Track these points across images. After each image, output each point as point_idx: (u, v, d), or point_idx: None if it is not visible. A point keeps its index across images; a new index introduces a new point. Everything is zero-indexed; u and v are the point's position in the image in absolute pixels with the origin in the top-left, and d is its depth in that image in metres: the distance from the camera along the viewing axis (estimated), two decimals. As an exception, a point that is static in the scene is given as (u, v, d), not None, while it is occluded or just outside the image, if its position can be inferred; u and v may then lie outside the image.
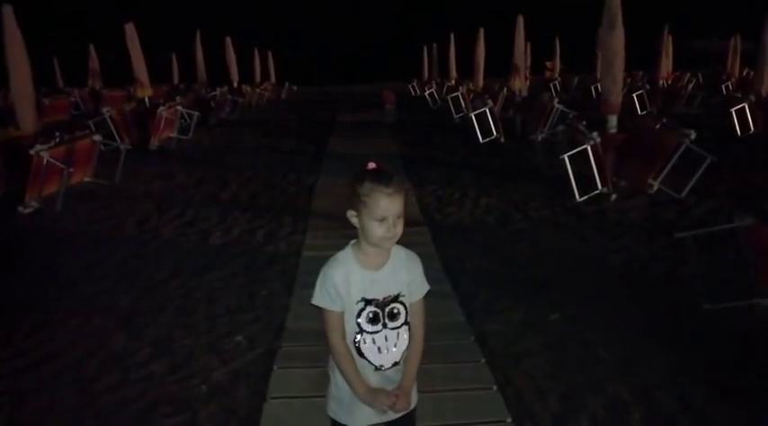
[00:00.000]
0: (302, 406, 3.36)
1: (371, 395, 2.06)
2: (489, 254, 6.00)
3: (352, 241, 2.11)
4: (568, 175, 7.81)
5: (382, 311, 2.05)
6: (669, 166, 7.76)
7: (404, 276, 2.09)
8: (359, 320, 2.04)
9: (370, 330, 2.05)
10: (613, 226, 6.78)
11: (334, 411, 2.18)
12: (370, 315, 2.04)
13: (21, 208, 7.58)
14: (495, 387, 3.51)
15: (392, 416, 2.13)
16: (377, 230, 1.96)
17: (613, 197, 7.69)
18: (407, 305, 2.10)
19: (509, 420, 3.21)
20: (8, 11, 8.73)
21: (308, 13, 49.77)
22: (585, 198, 7.66)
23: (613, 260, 5.77)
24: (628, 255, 5.86)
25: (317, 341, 3.91)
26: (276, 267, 5.71)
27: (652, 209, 7.31)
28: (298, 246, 6.22)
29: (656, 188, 7.78)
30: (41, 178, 7.78)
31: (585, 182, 7.83)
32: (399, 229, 1.99)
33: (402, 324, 2.09)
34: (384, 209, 1.93)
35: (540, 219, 7.17)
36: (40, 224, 7.33)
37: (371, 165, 2.02)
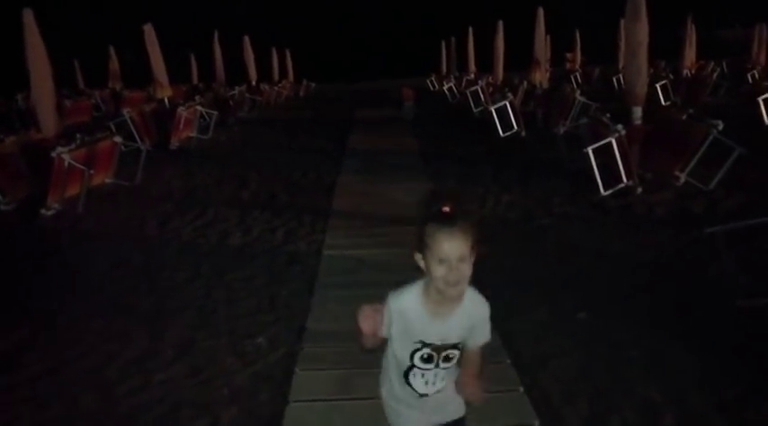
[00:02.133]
0: (324, 409, 3.31)
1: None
2: (513, 252, 5.89)
3: (423, 279, 1.98)
4: (592, 169, 7.66)
5: (438, 354, 2.00)
6: (696, 158, 7.57)
7: (468, 325, 2.02)
8: (413, 358, 2.00)
9: (422, 367, 2.02)
10: (640, 221, 6.63)
11: (388, 414, 2.19)
12: (425, 356, 2.00)
13: (43, 211, 7.64)
14: (521, 389, 3.42)
15: (433, 418, 2.13)
16: (438, 270, 1.86)
17: (639, 190, 7.52)
18: (462, 349, 2.05)
19: (536, 423, 3.12)
20: (28, 14, 8.80)
21: (325, 11, 49.76)
22: (610, 192, 7.51)
23: (641, 255, 5.62)
24: (656, 251, 5.70)
25: (339, 343, 3.88)
26: (296, 267, 5.66)
27: (680, 203, 7.13)
28: (318, 246, 6.14)
29: (683, 180, 7.60)
30: (63, 180, 7.83)
31: (610, 176, 7.68)
32: (465, 272, 1.88)
33: (453, 364, 2.07)
34: (444, 251, 1.83)
35: (565, 215, 7.03)
36: (62, 226, 7.37)
37: (445, 208, 1.88)
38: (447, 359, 2.02)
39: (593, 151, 7.74)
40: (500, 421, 3.15)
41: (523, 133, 12.72)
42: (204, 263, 5.86)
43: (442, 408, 2.15)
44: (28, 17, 8.81)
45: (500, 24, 18.10)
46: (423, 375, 2.03)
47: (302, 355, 3.91)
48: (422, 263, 1.92)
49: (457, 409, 2.19)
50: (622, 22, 16.43)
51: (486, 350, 3.87)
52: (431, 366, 2.01)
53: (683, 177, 7.61)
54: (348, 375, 3.57)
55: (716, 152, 7.61)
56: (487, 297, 4.63)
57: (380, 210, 7.09)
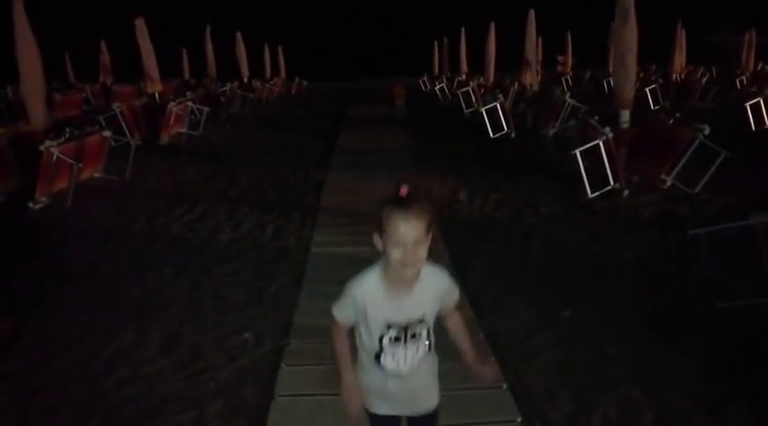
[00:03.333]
0: (310, 405, 3.34)
1: (348, 392, 2.13)
2: (499, 251, 5.94)
3: (381, 262, 2.06)
4: (580, 171, 7.73)
5: (405, 333, 2.07)
6: (682, 162, 7.66)
7: (430, 298, 2.09)
8: (382, 341, 2.07)
9: (390, 349, 2.08)
10: (626, 223, 6.71)
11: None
12: (392, 337, 2.06)
13: (31, 204, 7.60)
14: (504, 386, 3.46)
15: (406, 410, 2.21)
16: (394, 253, 1.94)
17: (626, 193, 7.60)
18: (429, 325, 2.12)
19: (519, 419, 3.17)
20: (19, 6, 8.74)
21: (319, 9, 49.71)
22: (597, 194, 7.58)
23: (625, 256, 5.69)
24: (640, 252, 5.78)
25: (325, 339, 3.86)
26: (284, 263, 5.68)
27: (665, 205, 7.22)
28: (306, 242, 6.18)
29: (669, 183, 7.69)
30: (51, 174, 7.79)
31: (597, 178, 7.75)
32: (421, 254, 1.95)
33: (422, 343, 2.12)
34: (400, 234, 1.91)
35: (551, 215, 7.09)
36: (50, 220, 7.35)
37: (403, 190, 1.98)
38: (414, 336, 2.07)
39: (581, 153, 7.81)
40: (483, 417, 3.20)
41: (513, 134, 12.79)
42: (192, 259, 5.87)
43: (416, 397, 2.21)
44: (18, 8, 8.75)
45: (492, 26, 18.18)
46: (393, 355, 2.08)
47: (288, 350, 3.94)
48: (380, 245, 2.00)
49: (431, 400, 2.26)
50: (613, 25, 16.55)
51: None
52: (399, 345, 2.07)
53: (669, 180, 7.70)
54: (334, 371, 3.59)
55: (702, 156, 7.70)
56: (473, 295, 4.70)
57: (369, 208, 7.03)
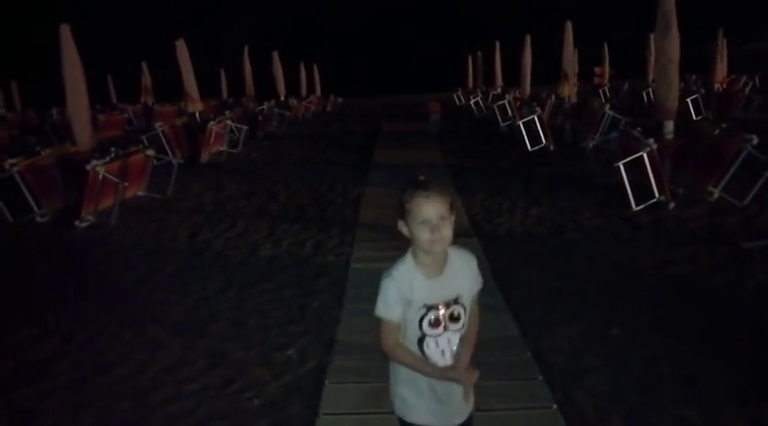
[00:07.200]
0: (354, 423, 3.31)
1: (446, 372, 2.12)
2: (542, 266, 5.84)
3: (410, 249, 2.13)
4: (623, 183, 7.57)
5: (443, 315, 2.12)
6: (730, 173, 7.44)
7: (462, 278, 2.16)
8: (422, 325, 2.10)
9: (432, 333, 2.12)
10: (672, 236, 6.53)
11: (400, 408, 2.25)
12: (432, 320, 2.11)
13: (77, 222, 7.80)
14: (555, 406, 3.38)
15: (453, 420, 2.21)
16: (422, 234, 2.02)
17: (671, 205, 7.41)
18: (466, 306, 2.16)
19: (570, 440, 3.08)
20: (65, 30, 9.02)
21: (352, 27, 50.26)
22: (642, 206, 7.41)
23: (673, 271, 5.53)
24: (688, 266, 5.61)
25: (369, 356, 3.87)
26: (325, 279, 5.69)
27: (713, 218, 7.01)
28: (346, 258, 6.20)
29: (716, 196, 7.47)
30: (97, 192, 7.98)
31: (641, 191, 7.58)
32: (446, 232, 2.04)
33: (462, 326, 2.16)
34: (425, 212, 2.00)
35: (595, 229, 6.95)
36: (95, 237, 7.51)
37: (421, 177, 2.10)
38: (453, 318, 2.12)
39: (624, 165, 7.66)
40: (532, 437, 3.13)
41: (552, 147, 12.64)
42: (235, 275, 5.92)
43: (459, 395, 2.19)
44: (65, 32, 9.03)
45: (528, 38, 18.07)
46: (436, 343, 2.12)
47: (332, 367, 3.92)
48: (405, 230, 2.08)
49: (470, 402, 2.27)
50: (652, 36, 16.30)
51: (518, 367, 3.85)
52: (440, 330, 2.11)
53: (716, 192, 7.48)
54: (378, 388, 3.55)
55: (750, 167, 7.47)
56: (517, 312, 4.62)
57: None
